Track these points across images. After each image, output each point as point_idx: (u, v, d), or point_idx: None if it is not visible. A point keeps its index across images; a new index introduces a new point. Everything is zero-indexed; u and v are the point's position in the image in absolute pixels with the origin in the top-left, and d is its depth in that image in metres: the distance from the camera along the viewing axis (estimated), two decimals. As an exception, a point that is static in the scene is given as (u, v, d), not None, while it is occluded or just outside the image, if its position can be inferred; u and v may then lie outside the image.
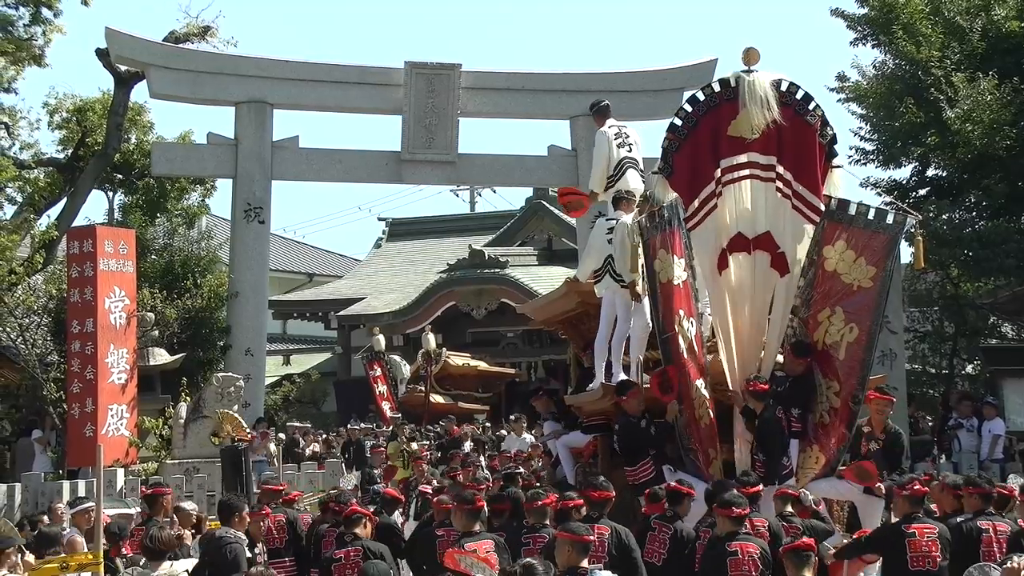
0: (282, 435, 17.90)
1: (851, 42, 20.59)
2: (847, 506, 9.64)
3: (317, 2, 74.28)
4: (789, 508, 8.17)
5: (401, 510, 11.03)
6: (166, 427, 16.51)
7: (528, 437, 16.31)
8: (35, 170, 21.95)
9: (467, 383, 23.43)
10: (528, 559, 6.11)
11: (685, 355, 8.99)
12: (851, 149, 20.18)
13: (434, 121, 21.47)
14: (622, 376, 9.74)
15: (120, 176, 22.55)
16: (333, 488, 12.80)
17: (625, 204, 10.10)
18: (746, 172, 9.52)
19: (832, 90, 20.74)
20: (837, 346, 9.33)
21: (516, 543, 7.73)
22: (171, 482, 13.53)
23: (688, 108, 9.47)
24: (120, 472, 15.14)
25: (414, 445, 15.84)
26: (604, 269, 9.96)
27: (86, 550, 8.60)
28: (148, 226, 21.85)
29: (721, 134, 9.38)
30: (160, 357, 18.45)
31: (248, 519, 8.42)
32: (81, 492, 13.77)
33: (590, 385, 10.14)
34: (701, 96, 9.50)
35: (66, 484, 14.72)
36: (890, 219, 9.34)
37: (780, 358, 9.77)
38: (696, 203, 9.36)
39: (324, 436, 19.89)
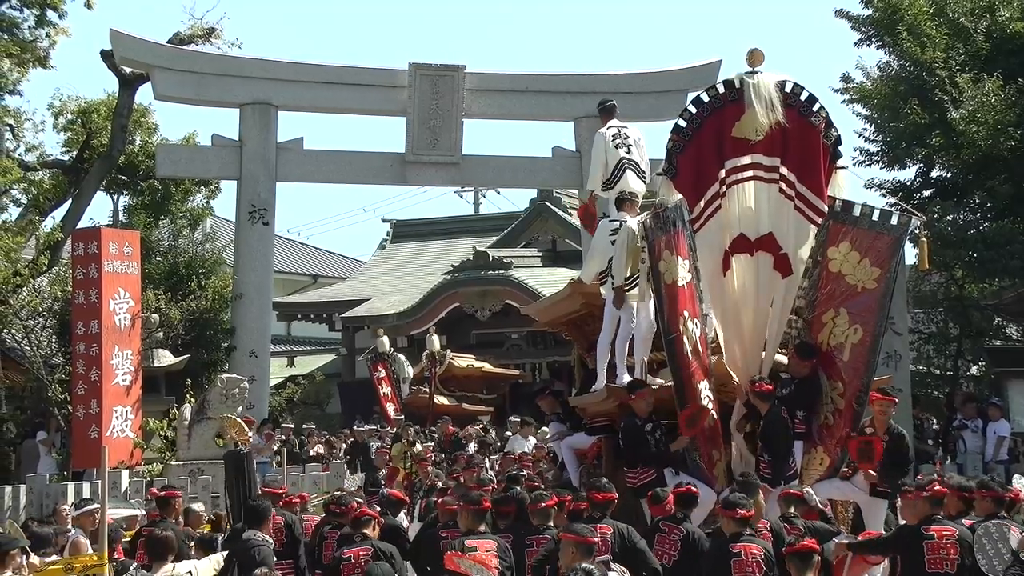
0: (282, 436, 17.91)
1: (855, 43, 20.59)
2: (851, 507, 9.65)
3: (321, 4, 74.42)
4: (792, 509, 8.18)
5: (406, 511, 11.04)
6: (170, 429, 16.53)
7: (531, 440, 16.32)
8: (40, 172, 21.98)
9: (471, 384, 23.43)
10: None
11: (690, 356, 8.99)
12: (855, 150, 20.16)
13: (438, 122, 21.48)
14: (626, 378, 9.75)
15: (125, 178, 22.56)
16: (338, 489, 12.81)
17: (628, 206, 10.11)
18: (750, 173, 9.53)
19: (836, 91, 20.74)
20: (841, 347, 9.35)
21: (520, 545, 7.74)
22: (176, 484, 13.53)
23: (692, 109, 9.48)
24: (125, 474, 15.15)
25: (418, 447, 15.84)
26: (608, 270, 9.97)
27: (91, 551, 8.61)
28: (152, 228, 21.87)
29: (725, 135, 9.39)
30: (164, 359, 18.47)
31: (270, 524, 8.48)
32: (86, 494, 13.78)
33: (593, 387, 10.14)
34: (705, 97, 9.51)
35: (71, 486, 14.73)
36: (894, 220, 9.36)
37: (783, 359, 9.79)
38: (700, 204, 9.37)
39: (326, 438, 19.85)
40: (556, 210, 28.64)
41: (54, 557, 8.65)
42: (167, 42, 21.32)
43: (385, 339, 23.08)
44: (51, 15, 20.09)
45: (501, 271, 25.75)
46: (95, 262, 16.57)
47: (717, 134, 9.40)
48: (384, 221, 36.06)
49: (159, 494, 9.86)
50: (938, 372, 21.49)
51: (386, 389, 22.51)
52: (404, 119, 21.49)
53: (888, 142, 20.10)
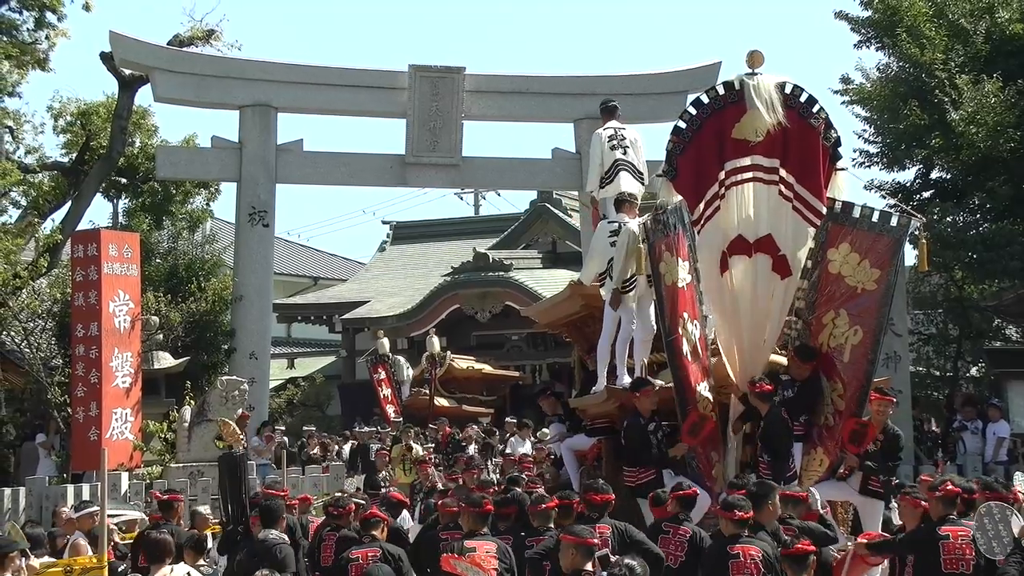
0: (284, 439, 17.90)
1: (855, 45, 20.60)
2: (851, 508, 9.65)
3: (321, 5, 74.43)
4: (789, 511, 8.16)
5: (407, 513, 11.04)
6: (170, 431, 16.52)
7: (528, 442, 16.32)
8: (39, 174, 21.98)
9: (471, 386, 23.42)
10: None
11: (689, 357, 8.99)
12: (855, 152, 20.17)
13: (438, 124, 21.49)
14: (627, 379, 9.75)
15: (124, 180, 22.58)
16: (339, 491, 12.82)
17: (628, 207, 10.11)
18: (749, 175, 9.52)
19: (836, 93, 20.75)
20: (841, 349, 9.36)
21: (520, 547, 7.75)
22: (175, 486, 13.53)
23: (692, 111, 9.48)
24: (124, 476, 15.15)
25: (418, 449, 15.85)
26: (608, 272, 9.97)
27: (90, 553, 8.61)
28: (152, 230, 21.86)
29: (725, 137, 9.39)
30: (164, 361, 18.46)
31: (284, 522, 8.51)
32: (85, 496, 13.78)
33: (594, 388, 10.14)
34: (705, 99, 9.50)
35: (70, 488, 14.73)
36: (894, 222, 9.36)
37: (783, 360, 9.79)
38: (700, 206, 9.37)
39: (321, 439, 19.71)
40: (556, 212, 28.66)
41: (46, 559, 8.65)
42: (167, 44, 21.33)
43: (385, 341, 23.08)
44: (50, 17, 20.12)
45: (501, 273, 25.75)
46: (95, 264, 16.57)
47: (717, 135, 9.40)
48: (384, 223, 36.10)
49: (161, 497, 9.88)
50: (938, 373, 21.49)
51: (386, 391, 22.50)
52: (404, 121, 21.49)
53: (888, 143, 20.10)
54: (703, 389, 9.08)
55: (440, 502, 9.35)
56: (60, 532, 10.23)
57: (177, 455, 16.02)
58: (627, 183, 10.54)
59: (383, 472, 15.39)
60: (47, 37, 20.29)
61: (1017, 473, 11.94)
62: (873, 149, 20.34)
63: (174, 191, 22.64)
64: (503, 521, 8.29)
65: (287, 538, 8.35)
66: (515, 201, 44.33)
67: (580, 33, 79.48)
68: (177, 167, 21.40)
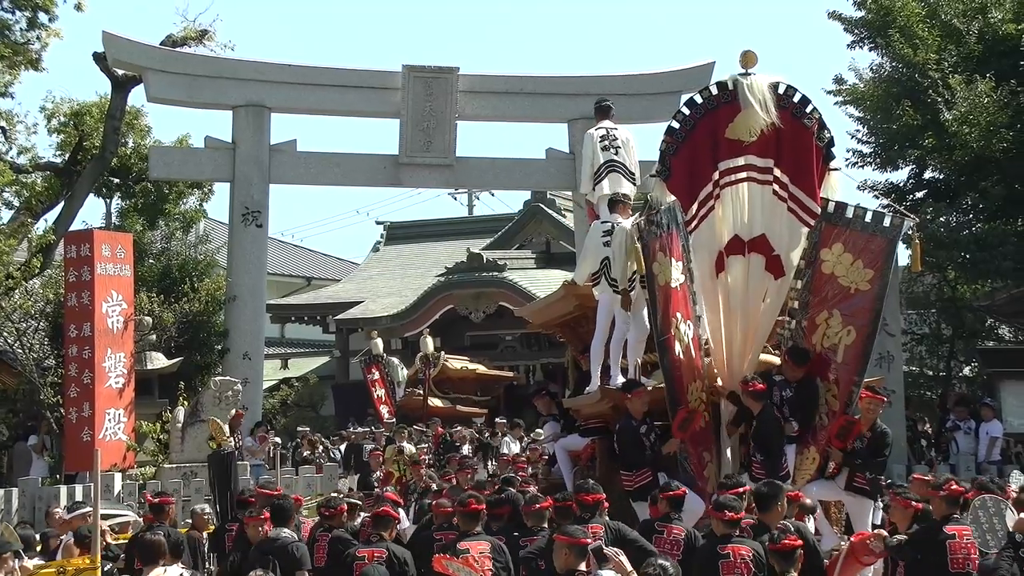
0: (277, 439, 17.86)
1: (848, 45, 20.63)
2: (844, 508, 9.65)
3: (314, 5, 74.37)
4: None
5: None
6: (164, 432, 16.48)
7: (517, 443, 16.32)
8: (32, 174, 21.91)
9: (465, 386, 23.42)
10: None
11: (681, 358, 9.00)
12: (848, 152, 20.22)
13: (432, 124, 21.48)
14: (620, 379, 9.75)
15: (117, 180, 22.53)
16: (334, 492, 12.81)
17: (621, 207, 10.11)
18: (743, 175, 9.54)
19: (829, 93, 20.77)
20: (835, 349, 9.37)
21: (514, 546, 7.75)
22: (169, 486, 13.51)
23: (686, 111, 9.49)
24: (118, 476, 15.10)
25: (410, 448, 15.82)
26: (601, 272, 9.98)
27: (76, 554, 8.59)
28: (146, 230, 21.83)
29: (719, 137, 9.41)
30: (158, 361, 18.42)
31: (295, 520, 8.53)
32: (79, 497, 13.72)
33: (588, 388, 10.14)
34: (699, 99, 9.52)
35: (63, 489, 14.69)
36: (887, 222, 9.38)
37: (776, 360, 9.80)
38: (694, 206, 9.38)
39: (309, 438, 19.57)
40: (550, 212, 28.68)
41: (37, 560, 8.63)
42: (160, 44, 21.29)
43: (379, 341, 23.08)
44: (43, 17, 20.06)
45: (495, 273, 25.76)
46: (88, 265, 16.53)
47: (711, 136, 9.41)
48: (378, 223, 36.11)
49: (152, 501, 9.87)
50: (931, 373, 21.54)
51: (380, 391, 22.50)
52: (398, 121, 21.48)
53: (881, 144, 20.14)
54: (695, 389, 9.08)
55: (435, 502, 9.35)
56: (53, 533, 10.21)
57: (170, 456, 15.98)
58: (615, 184, 10.54)
59: (377, 472, 15.37)
60: (39, 37, 20.21)
61: (1015, 472, 11.97)
62: (866, 149, 20.38)
63: (167, 191, 22.60)
64: (496, 521, 8.29)
65: (296, 536, 8.36)
66: (509, 201, 44.35)
67: (574, 33, 79.56)
68: (170, 167, 21.37)
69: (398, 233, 34.63)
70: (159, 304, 19.00)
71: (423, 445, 17.10)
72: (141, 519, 10.84)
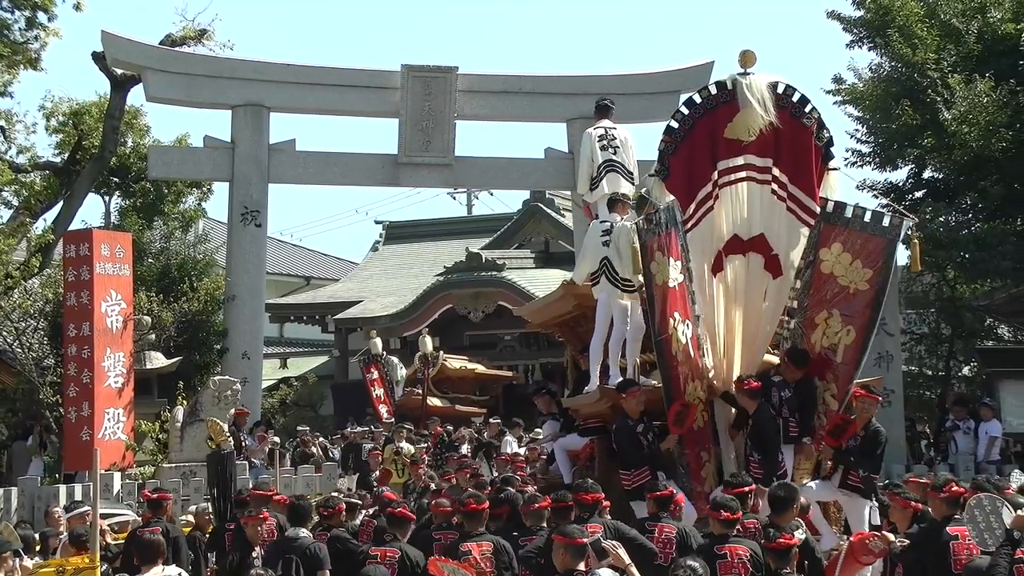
0: (276, 439, 17.84)
1: (847, 44, 20.66)
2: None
3: (314, 5, 74.35)
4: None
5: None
6: (163, 431, 16.48)
7: (515, 442, 16.30)
8: (31, 174, 21.91)
9: (464, 386, 23.43)
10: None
11: (679, 357, 9.00)
12: (847, 151, 20.23)
13: (431, 124, 21.47)
14: (619, 379, 9.75)
15: (116, 179, 22.53)
16: (334, 491, 12.82)
17: (620, 207, 10.11)
18: (743, 174, 9.54)
19: (828, 92, 20.79)
20: (835, 348, 9.36)
21: (513, 546, 7.74)
22: (168, 486, 13.46)
23: (684, 111, 9.49)
24: (117, 476, 15.10)
25: (408, 447, 15.83)
26: (600, 271, 9.97)
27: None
28: (145, 229, 21.81)
29: (718, 136, 9.41)
30: (157, 361, 18.41)
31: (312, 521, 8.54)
32: (78, 496, 13.73)
33: (586, 388, 10.14)
34: (697, 99, 9.52)
35: (62, 488, 14.68)
36: (886, 222, 9.37)
37: (775, 360, 9.80)
38: (692, 206, 9.38)
39: (301, 436, 19.56)
40: (549, 211, 28.69)
41: (36, 560, 8.63)
42: (159, 44, 21.28)
43: (378, 341, 23.08)
44: (42, 17, 20.06)
45: (494, 272, 25.76)
46: (87, 264, 16.52)
47: (709, 135, 9.41)
48: (377, 223, 36.10)
49: (150, 496, 9.88)
50: (930, 373, 21.55)
51: (379, 391, 22.51)
52: (396, 120, 21.47)
53: (880, 143, 20.14)
54: (693, 389, 9.08)
55: (433, 502, 9.35)
56: (53, 532, 10.21)
57: (170, 455, 15.97)
58: (614, 183, 10.54)
59: (376, 472, 15.38)
60: (38, 37, 20.22)
61: (1015, 471, 11.97)
62: (865, 149, 20.40)
63: (166, 191, 22.60)
64: (495, 521, 8.28)
65: (311, 536, 8.38)
66: (508, 201, 44.28)
67: (573, 33, 79.55)
68: (169, 167, 21.37)
69: (397, 233, 34.63)
70: (158, 303, 19.00)
71: (422, 445, 17.10)
72: (140, 518, 10.83)
